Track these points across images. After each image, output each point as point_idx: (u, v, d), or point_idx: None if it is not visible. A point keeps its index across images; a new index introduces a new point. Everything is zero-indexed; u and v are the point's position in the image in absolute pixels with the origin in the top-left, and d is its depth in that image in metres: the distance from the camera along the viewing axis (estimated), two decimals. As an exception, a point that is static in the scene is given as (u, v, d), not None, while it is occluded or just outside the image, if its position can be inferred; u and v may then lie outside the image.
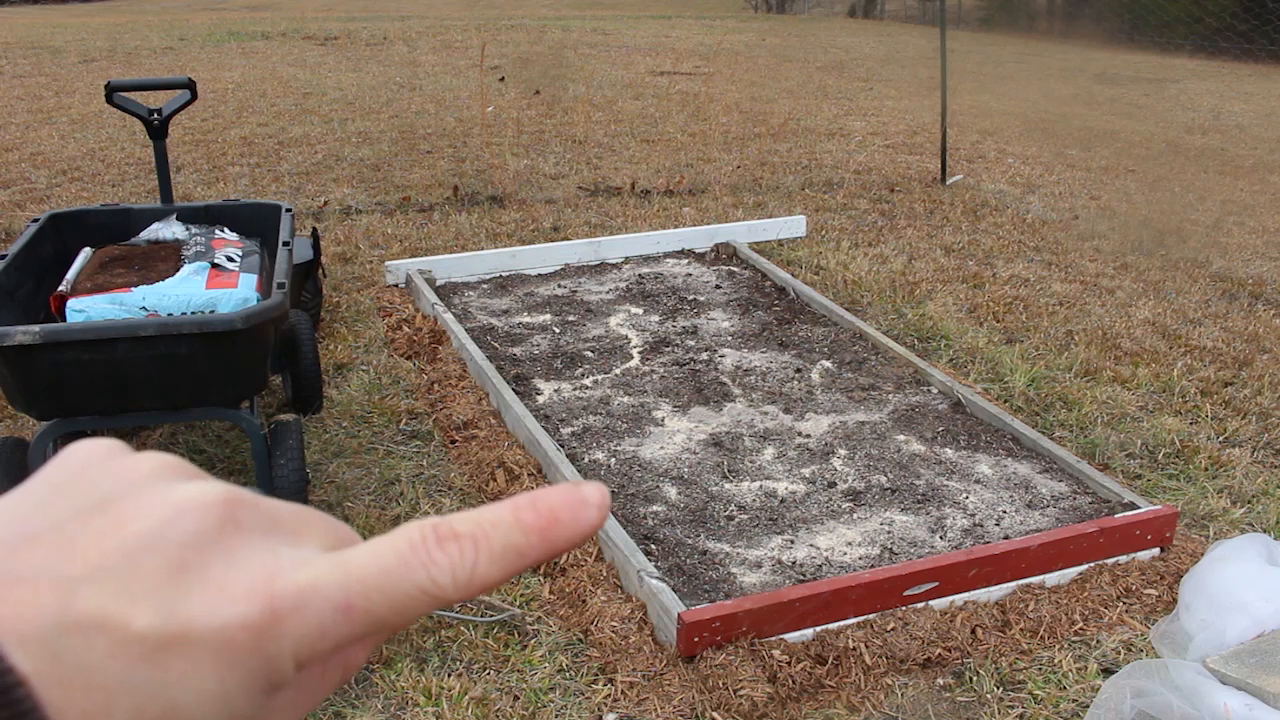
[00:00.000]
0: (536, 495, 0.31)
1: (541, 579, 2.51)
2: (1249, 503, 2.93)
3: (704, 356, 3.72)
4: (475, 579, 0.30)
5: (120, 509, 0.29)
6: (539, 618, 2.38)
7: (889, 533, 2.68)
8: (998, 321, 4.18)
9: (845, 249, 5.00)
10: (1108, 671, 2.23)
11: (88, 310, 2.55)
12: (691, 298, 4.30)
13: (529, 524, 0.31)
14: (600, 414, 3.29)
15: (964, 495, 2.85)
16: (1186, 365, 3.81)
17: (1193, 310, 4.39)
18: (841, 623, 2.30)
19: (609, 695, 2.14)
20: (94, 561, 0.27)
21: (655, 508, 2.77)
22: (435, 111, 8.28)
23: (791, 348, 3.82)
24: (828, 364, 3.68)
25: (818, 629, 2.28)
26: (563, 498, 0.31)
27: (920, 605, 2.38)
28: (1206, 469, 3.11)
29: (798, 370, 3.62)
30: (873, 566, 2.52)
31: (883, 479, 2.93)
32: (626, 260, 4.76)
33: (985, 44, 15.42)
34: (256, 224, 3.25)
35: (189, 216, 3.21)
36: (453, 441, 3.17)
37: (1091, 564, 2.56)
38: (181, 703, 0.27)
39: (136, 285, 2.65)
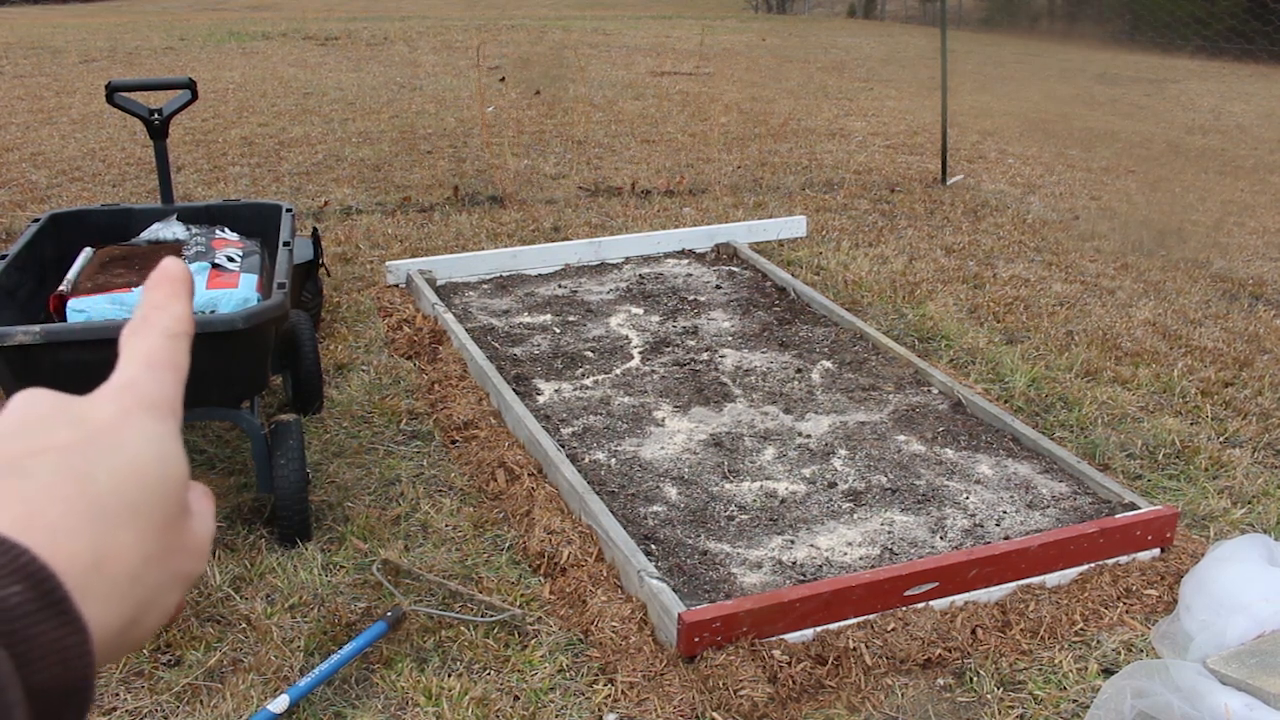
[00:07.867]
0: (152, 274, 0.49)
1: (542, 579, 2.51)
2: (1249, 503, 2.93)
3: (704, 357, 3.72)
4: (179, 313, 0.48)
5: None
6: (539, 618, 2.38)
7: (889, 533, 2.68)
8: (998, 322, 4.18)
9: (846, 249, 5.00)
10: (1108, 672, 2.23)
11: (88, 310, 2.55)
12: (692, 298, 4.30)
13: (157, 279, 0.49)
14: (601, 414, 3.29)
15: (964, 495, 2.85)
16: (1187, 366, 3.81)
17: (1193, 311, 4.39)
18: (842, 623, 2.30)
19: (609, 695, 2.14)
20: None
21: (655, 508, 2.77)
22: (435, 111, 8.28)
23: (792, 348, 3.82)
24: (828, 364, 3.68)
25: (818, 629, 2.28)
26: (159, 268, 0.50)
27: (920, 605, 2.38)
28: (1207, 469, 3.11)
29: (798, 370, 3.62)
30: (873, 567, 2.52)
31: (883, 479, 2.93)
32: (627, 260, 4.75)
33: (986, 44, 15.42)
34: (257, 224, 3.25)
35: (189, 217, 3.21)
36: (453, 442, 3.17)
37: (1092, 564, 2.56)
38: (140, 458, 0.41)
39: (137, 285, 2.65)
